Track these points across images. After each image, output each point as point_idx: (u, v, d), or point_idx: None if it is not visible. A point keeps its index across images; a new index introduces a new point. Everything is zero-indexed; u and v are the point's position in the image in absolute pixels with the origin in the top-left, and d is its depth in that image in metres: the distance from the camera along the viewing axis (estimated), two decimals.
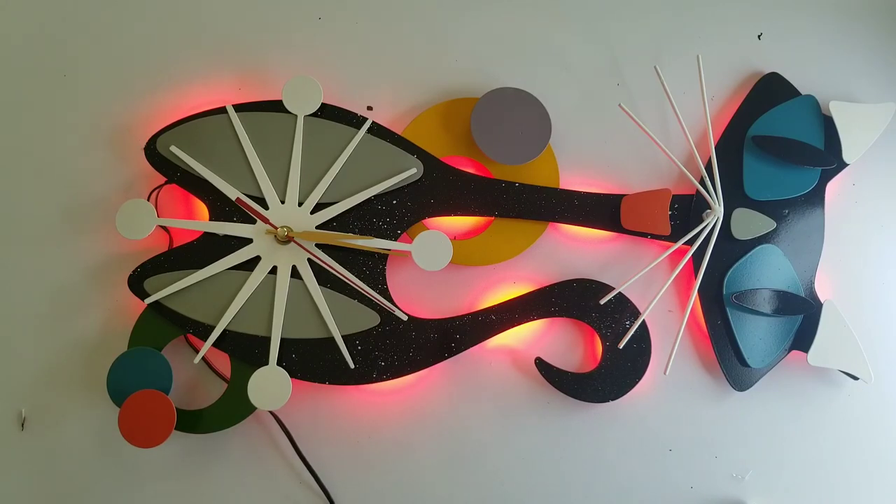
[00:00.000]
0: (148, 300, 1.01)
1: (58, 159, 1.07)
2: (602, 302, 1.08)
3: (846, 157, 1.14)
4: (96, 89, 1.09)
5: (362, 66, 1.13)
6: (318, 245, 1.04)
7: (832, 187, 1.16)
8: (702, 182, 1.11)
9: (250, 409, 1.01)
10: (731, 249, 1.12)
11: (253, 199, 1.04)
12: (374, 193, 1.05)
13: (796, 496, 1.15)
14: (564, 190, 1.11)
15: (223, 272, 1.03)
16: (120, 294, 1.04)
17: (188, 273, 1.02)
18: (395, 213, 1.07)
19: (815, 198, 1.15)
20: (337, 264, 1.04)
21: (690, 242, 1.10)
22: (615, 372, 1.08)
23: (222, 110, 1.05)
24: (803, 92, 1.17)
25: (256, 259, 1.04)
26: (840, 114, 1.14)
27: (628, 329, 1.07)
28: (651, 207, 1.09)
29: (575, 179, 1.13)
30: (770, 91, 1.17)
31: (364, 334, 1.04)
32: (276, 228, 1.02)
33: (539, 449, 1.11)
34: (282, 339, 1.02)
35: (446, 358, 1.06)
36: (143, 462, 1.05)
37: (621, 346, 1.07)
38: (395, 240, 1.06)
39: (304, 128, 1.05)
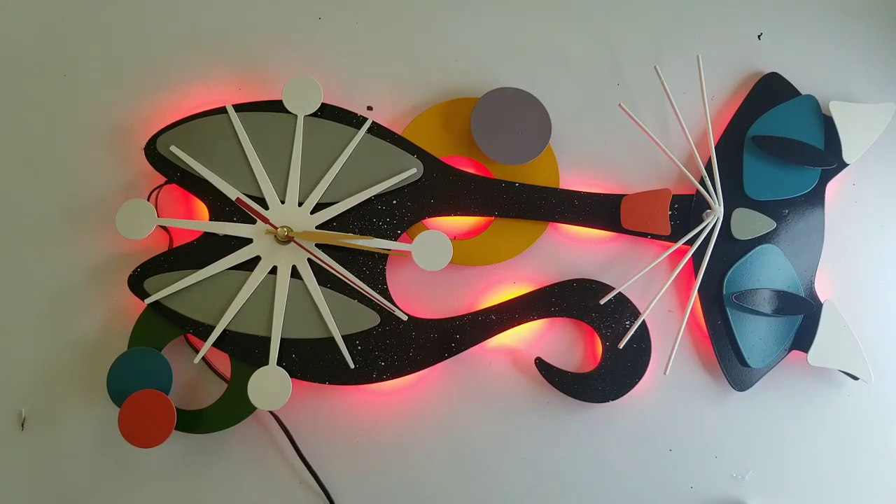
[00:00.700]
0: (148, 300, 1.01)
1: (58, 159, 1.07)
2: (602, 302, 1.08)
3: (846, 157, 1.14)
4: (96, 89, 1.09)
5: (362, 66, 1.13)
6: (318, 245, 1.04)
7: (832, 187, 1.16)
8: (702, 182, 1.11)
9: (250, 409, 1.01)
10: (731, 249, 1.12)
11: (253, 199, 1.04)
12: (374, 193, 1.05)
13: (796, 496, 1.15)
14: (564, 190, 1.11)
15: (223, 272, 1.03)
16: (120, 294, 1.04)
17: (188, 273, 1.02)
18: (395, 213, 1.07)
19: (815, 198, 1.15)
20: (337, 264, 1.04)
21: (690, 242, 1.10)
22: (615, 372, 1.08)
23: (222, 110, 1.05)
24: (803, 92, 1.17)
25: (256, 259, 1.04)
26: (840, 114, 1.14)
27: (628, 329, 1.07)
28: (651, 207, 1.09)
29: (575, 179, 1.13)
30: (770, 91, 1.17)
31: (364, 334, 1.04)
32: (276, 228, 1.02)
33: (539, 449, 1.11)
34: (282, 339, 1.02)
35: (446, 358, 1.06)
36: (143, 462, 1.05)
37: (621, 346, 1.07)
38: (395, 240, 1.06)
39: (304, 128, 1.05)
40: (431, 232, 1.05)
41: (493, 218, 1.10)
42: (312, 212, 1.05)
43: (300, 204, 1.05)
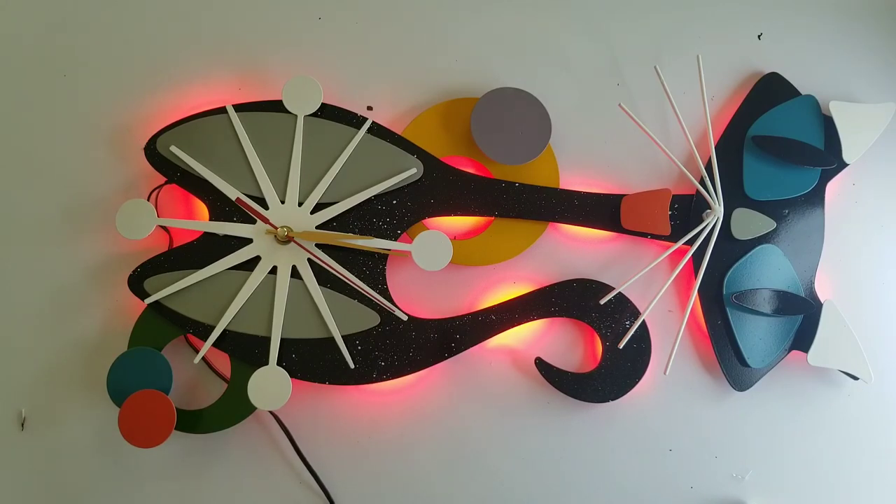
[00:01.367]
0: (148, 300, 1.01)
1: (58, 159, 1.07)
2: (602, 302, 1.08)
3: (846, 157, 1.14)
4: (96, 89, 1.09)
5: (362, 66, 1.13)
6: (318, 245, 1.04)
7: (832, 187, 1.16)
8: (702, 182, 1.11)
9: (250, 409, 1.01)
10: (731, 249, 1.12)
11: (253, 199, 1.04)
12: (374, 193, 1.05)
13: (796, 496, 1.15)
14: (564, 190, 1.11)
15: (223, 272, 1.03)
16: (120, 294, 1.04)
17: (188, 273, 1.02)
18: (395, 213, 1.07)
19: (815, 198, 1.15)
20: (337, 264, 1.04)
21: (690, 242, 1.10)
22: (615, 372, 1.08)
23: (222, 110, 1.05)
24: (803, 92, 1.17)
25: (256, 259, 1.04)
26: (840, 114, 1.14)
27: (628, 329, 1.07)
28: (651, 207, 1.10)
29: (575, 179, 1.13)
30: (770, 91, 1.17)
31: (364, 334, 1.04)
32: (276, 228, 1.02)
33: (539, 449, 1.11)
34: (282, 339, 1.02)
35: (446, 358, 1.06)
36: (143, 462, 1.05)
37: (621, 346, 1.07)
38: (395, 240, 1.06)
39: (304, 128, 1.05)
40: (431, 232, 1.05)
41: (493, 218, 1.10)
42: (312, 212, 1.05)
43: (300, 204, 1.05)
